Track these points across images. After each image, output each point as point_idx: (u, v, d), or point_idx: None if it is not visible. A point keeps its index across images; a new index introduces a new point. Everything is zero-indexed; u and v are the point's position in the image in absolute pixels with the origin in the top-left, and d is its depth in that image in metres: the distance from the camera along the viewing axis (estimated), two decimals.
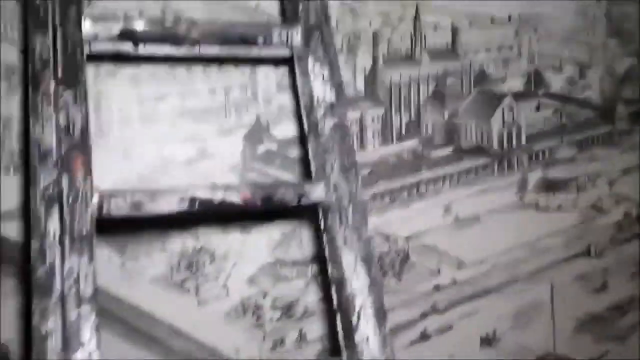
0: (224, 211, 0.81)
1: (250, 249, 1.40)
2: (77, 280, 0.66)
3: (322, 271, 1.47)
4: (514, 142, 1.72)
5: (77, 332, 0.65)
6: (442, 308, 1.62)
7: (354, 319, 0.79)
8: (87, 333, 0.65)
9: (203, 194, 0.80)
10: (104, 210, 0.73)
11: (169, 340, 1.33)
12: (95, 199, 0.72)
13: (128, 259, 1.29)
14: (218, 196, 0.80)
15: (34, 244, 0.69)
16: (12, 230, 1.19)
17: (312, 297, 1.46)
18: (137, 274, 1.30)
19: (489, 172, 1.69)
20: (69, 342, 0.64)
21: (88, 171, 0.72)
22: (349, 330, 0.79)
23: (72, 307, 0.65)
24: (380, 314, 0.81)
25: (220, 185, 0.80)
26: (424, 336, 1.59)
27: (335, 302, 0.83)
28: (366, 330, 0.79)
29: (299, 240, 1.45)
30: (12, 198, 1.19)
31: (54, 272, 0.67)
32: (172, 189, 0.79)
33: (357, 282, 0.80)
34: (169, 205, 0.77)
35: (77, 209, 0.70)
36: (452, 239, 1.63)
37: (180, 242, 1.34)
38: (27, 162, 1.17)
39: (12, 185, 1.20)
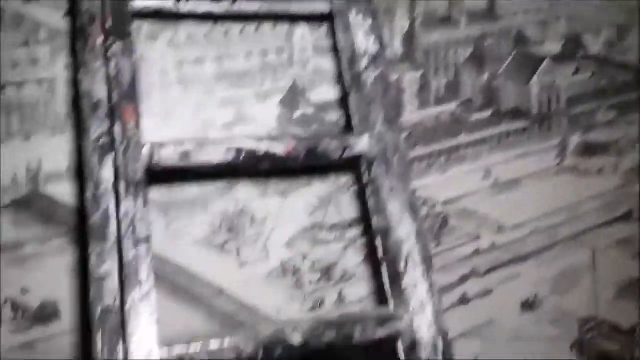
0: (268, 163, 0.81)
1: (288, 213, 1.41)
2: (132, 222, 0.67)
3: (363, 233, 1.48)
4: (554, 105, 1.70)
5: (135, 271, 0.66)
6: (481, 272, 1.61)
7: (402, 265, 0.79)
8: (145, 272, 0.66)
9: (249, 144, 0.80)
10: (154, 160, 0.74)
11: (212, 299, 1.35)
12: (147, 149, 0.73)
13: (172, 221, 1.31)
14: (263, 147, 0.80)
15: (88, 193, 0.70)
16: (59, 192, 1.22)
17: (350, 261, 1.46)
18: (181, 235, 1.32)
19: (528, 136, 1.67)
20: (127, 282, 0.66)
21: (138, 120, 0.73)
22: (396, 278, 0.80)
23: (129, 247, 0.66)
24: (428, 262, 0.81)
25: (265, 136, 0.81)
26: (464, 300, 1.59)
27: (380, 252, 0.84)
28: (414, 277, 0.79)
29: (336, 205, 1.45)
30: (58, 160, 1.22)
31: (108, 216, 0.68)
32: (220, 140, 0.80)
33: (403, 229, 0.80)
34: (216, 155, 0.78)
35: (130, 156, 0.71)
36: (491, 203, 1.62)
37: (221, 205, 1.35)
38: (77, 121, 1.20)
39: (58, 146, 1.22)
